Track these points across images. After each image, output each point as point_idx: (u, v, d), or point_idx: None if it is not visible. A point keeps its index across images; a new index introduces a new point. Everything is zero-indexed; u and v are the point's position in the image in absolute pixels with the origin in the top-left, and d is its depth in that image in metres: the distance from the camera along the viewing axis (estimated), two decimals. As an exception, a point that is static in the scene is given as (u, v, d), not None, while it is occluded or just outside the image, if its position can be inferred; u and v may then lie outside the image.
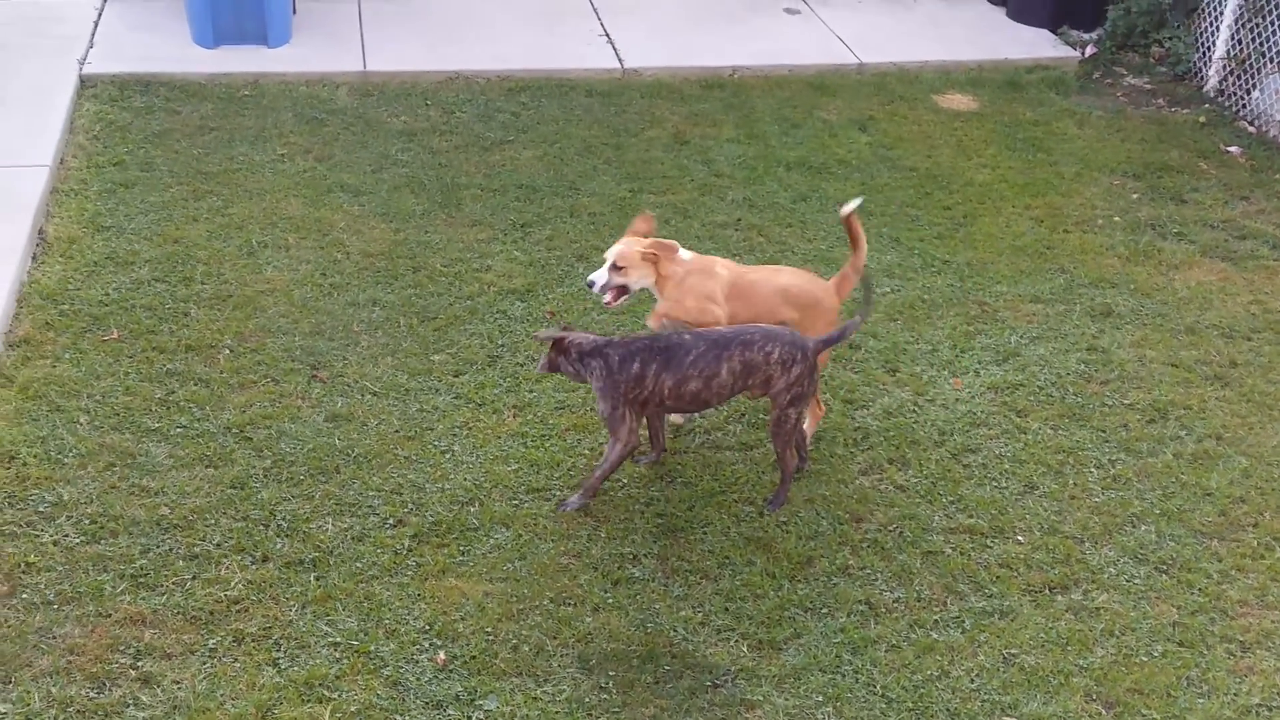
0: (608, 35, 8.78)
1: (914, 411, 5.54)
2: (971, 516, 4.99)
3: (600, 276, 4.92)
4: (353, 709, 4.03)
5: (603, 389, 4.67)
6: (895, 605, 4.58)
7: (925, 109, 8.24)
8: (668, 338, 4.70)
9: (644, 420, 4.91)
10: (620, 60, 8.46)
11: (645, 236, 5.03)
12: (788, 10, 9.42)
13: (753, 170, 7.38)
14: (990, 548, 4.85)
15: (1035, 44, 9.15)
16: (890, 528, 4.91)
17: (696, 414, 5.23)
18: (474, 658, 4.24)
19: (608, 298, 4.97)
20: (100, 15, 8.41)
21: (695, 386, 4.65)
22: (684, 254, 5.01)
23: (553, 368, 4.82)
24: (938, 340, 6.01)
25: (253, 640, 4.22)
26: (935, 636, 4.46)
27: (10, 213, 6.16)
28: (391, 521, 4.74)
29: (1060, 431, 5.48)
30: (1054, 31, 9.29)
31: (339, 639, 4.26)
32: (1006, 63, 8.85)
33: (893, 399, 5.59)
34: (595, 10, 9.14)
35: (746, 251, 6.58)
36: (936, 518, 4.98)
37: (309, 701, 4.04)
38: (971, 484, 5.15)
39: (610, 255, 4.93)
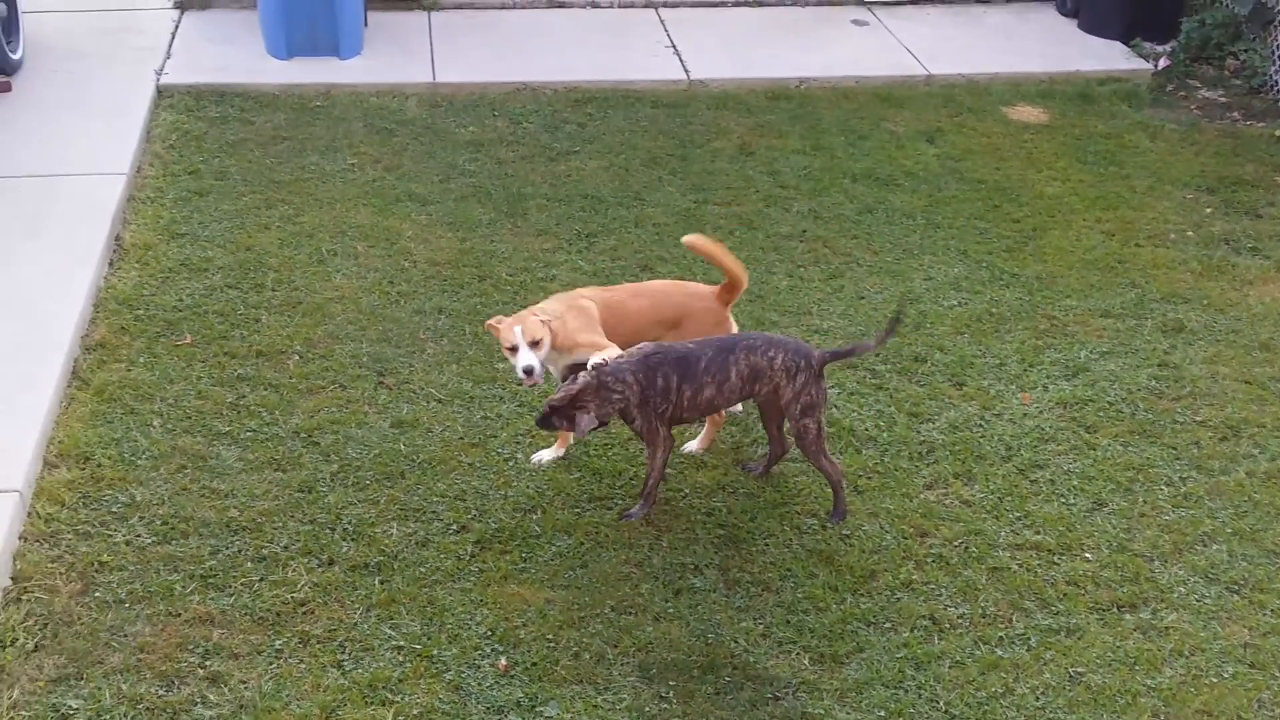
0: (674, 47, 8.81)
1: (981, 426, 5.47)
2: (1038, 533, 4.92)
3: (530, 359, 4.67)
4: (415, 712, 4.06)
5: (638, 406, 4.65)
6: (960, 621, 4.53)
7: (994, 121, 8.16)
8: (672, 348, 4.69)
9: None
10: (686, 71, 8.48)
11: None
12: (855, 22, 9.38)
13: (818, 182, 7.35)
14: (1057, 565, 4.78)
15: (1107, 56, 9.03)
16: (955, 543, 4.86)
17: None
18: (535, 664, 4.26)
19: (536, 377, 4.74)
20: (177, 27, 8.61)
21: (710, 393, 4.68)
22: (548, 305, 4.89)
23: (602, 421, 4.64)
24: (1005, 354, 5.94)
25: (318, 642, 4.28)
26: (1000, 653, 4.40)
27: (89, 219, 6.32)
28: (455, 527, 4.78)
29: (1130, 448, 5.39)
30: (1126, 44, 9.15)
31: (402, 642, 4.30)
32: (1078, 75, 8.74)
33: (959, 413, 5.54)
34: (662, 22, 9.18)
35: (811, 263, 6.56)
36: (1003, 534, 4.91)
37: (372, 704, 4.08)
38: (1039, 500, 5.08)
39: (519, 338, 4.67)
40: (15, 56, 7.71)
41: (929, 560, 4.77)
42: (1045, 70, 8.76)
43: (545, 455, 5.12)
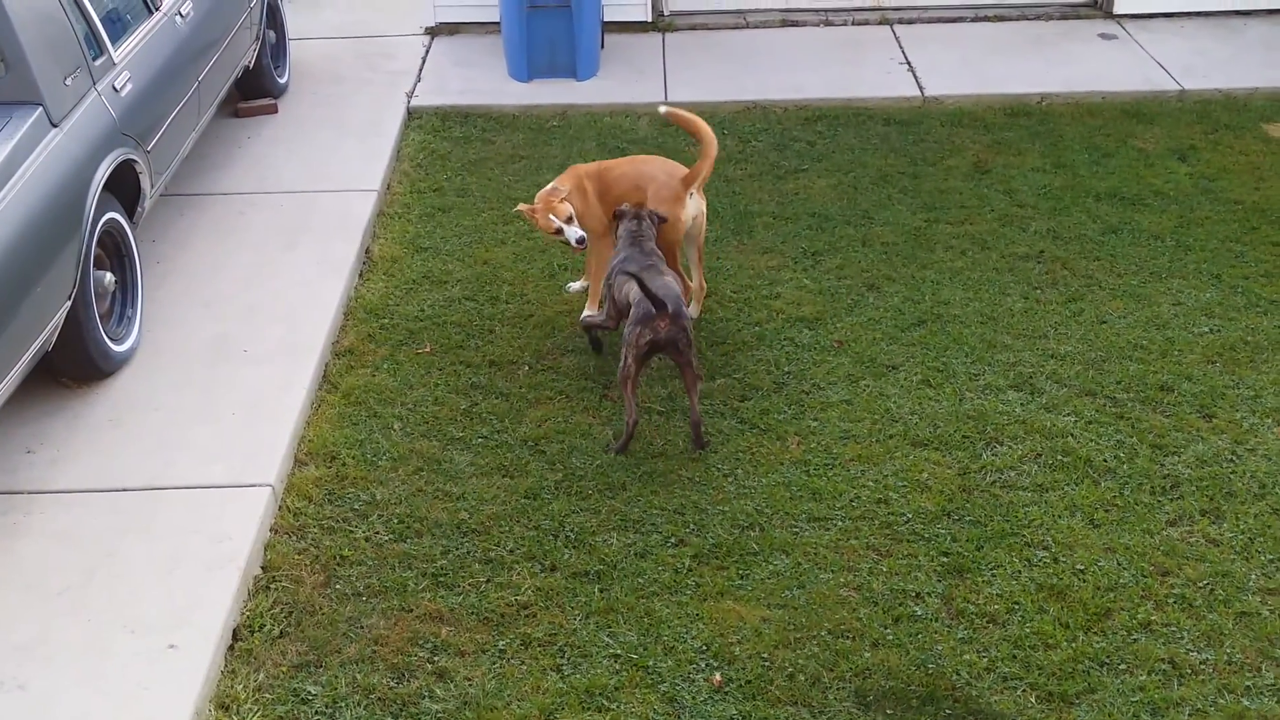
0: (909, 63, 8.66)
1: (1231, 461, 5.14)
2: (1294, 578, 4.58)
3: (578, 232, 5.66)
4: (629, 721, 4.12)
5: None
6: (1202, 667, 4.26)
7: (1254, 138, 7.67)
8: (641, 232, 5.61)
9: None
10: (921, 88, 8.32)
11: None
12: (1103, 35, 9.00)
13: (1058, 201, 7.08)
14: (1315, 614, 4.44)
15: (1386, 67, 8.35)
16: (1200, 584, 4.57)
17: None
18: (749, 682, 4.24)
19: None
20: (428, 52, 9.04)
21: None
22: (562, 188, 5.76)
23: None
24: (1261, 386, 5.56)
25: (539, 645, 4.39)
26: (1247, 704, 4.11)
27: (343, 233, 6.71)
28: (673, 540, 4.82)
29: (1404, 492, 4.96)
30: None
31: (619, 651, 4.36)
32: (1351, 88, 8.13)
33: (1207, 446, 5.21)
34: (897, 38, 9.04)
35: (1049, 285, 6.32)
36: (1253, 576, 4.60)
37: (589, 709, 4.15)
38: (1295, 543, 4.73)
39: (558, 221, 5.63)
40: (282, 80, 8.27)
41: (1170, 600, 4.51)
42: (1314, 84, 8.18)
43: (576, 286, 6.23)
